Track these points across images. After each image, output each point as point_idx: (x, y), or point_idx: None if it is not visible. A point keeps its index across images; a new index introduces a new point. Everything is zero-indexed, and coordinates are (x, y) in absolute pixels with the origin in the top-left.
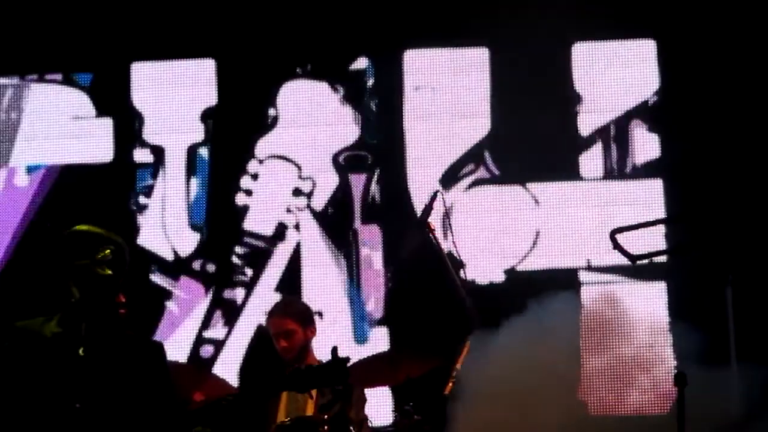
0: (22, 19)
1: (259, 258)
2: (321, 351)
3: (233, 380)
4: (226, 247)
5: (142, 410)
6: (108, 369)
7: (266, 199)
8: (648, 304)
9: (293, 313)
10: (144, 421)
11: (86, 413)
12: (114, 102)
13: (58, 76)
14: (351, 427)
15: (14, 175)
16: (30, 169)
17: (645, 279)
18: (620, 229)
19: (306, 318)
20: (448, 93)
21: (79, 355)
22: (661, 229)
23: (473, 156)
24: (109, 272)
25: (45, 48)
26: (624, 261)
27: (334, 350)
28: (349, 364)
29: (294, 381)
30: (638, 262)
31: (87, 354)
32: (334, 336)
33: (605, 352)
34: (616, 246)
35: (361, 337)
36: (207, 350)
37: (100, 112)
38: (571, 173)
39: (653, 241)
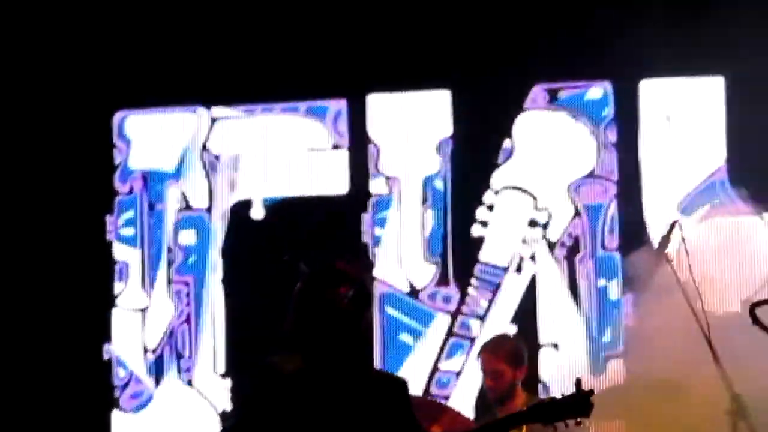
0: (255, 48)
1: (494, 289)
2: (560, 383)
3: (469, 413)
4: (462, 278)
5: None
6: (353, 407)
7: (502, 230)
8: None
9: (504, 353)
10: None
11: None
12: (350, 133)
13: (295, 107)
14: None
15: (251, 208)
16: (266, 202)
17: None
18: (761, 303)
19: (517, 359)
20: (684, 122)
21: (323, 393)
22: None
23: (710, 185)
24: (352, 309)
25: (279, 79)
26: None
27: (578, 383)
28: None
29: (538, 414)
30: None
31: (331, 392)
32: (568, 368)
33: None
34: (755, 321)
35: (597, 370)
36: (442, 382)
37: (336, 143)
38: None
39: None
